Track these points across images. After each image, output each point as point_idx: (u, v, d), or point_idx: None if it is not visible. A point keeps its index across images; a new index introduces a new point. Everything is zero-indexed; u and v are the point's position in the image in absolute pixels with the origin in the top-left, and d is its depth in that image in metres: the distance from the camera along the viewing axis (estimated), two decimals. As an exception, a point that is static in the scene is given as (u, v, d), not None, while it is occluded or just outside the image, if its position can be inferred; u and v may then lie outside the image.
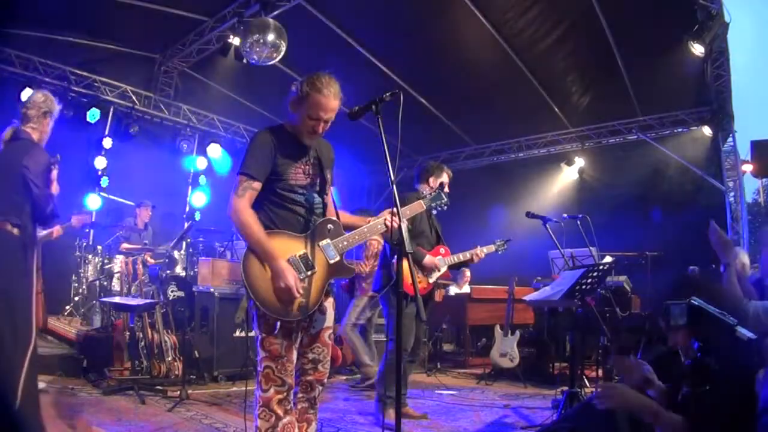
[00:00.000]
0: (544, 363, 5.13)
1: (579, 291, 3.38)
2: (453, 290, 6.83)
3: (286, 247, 1.93)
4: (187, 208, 7.29)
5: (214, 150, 7.56)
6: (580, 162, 7.60)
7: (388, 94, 1.86)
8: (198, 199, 7.33)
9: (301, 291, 1.88)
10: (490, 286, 6.25)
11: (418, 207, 2.30)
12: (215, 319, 4.47)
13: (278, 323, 1.89)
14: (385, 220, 2.05)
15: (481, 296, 6.11)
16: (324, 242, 1.98)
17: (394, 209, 1.97)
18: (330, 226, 2.02)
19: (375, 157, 8.37)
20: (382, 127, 1.83)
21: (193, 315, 4.83)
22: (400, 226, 1.78)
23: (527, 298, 3.99)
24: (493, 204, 7.82)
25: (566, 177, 7.71)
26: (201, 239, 5.77)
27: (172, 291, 4.89)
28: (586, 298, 3.45)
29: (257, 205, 1.96)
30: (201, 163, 7.46)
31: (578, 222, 4.26)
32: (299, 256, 1.94)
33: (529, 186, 7.85)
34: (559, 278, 3.92)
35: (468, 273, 6.95)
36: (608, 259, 4.61)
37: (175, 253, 5.34)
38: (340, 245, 2.00)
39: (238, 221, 1.89)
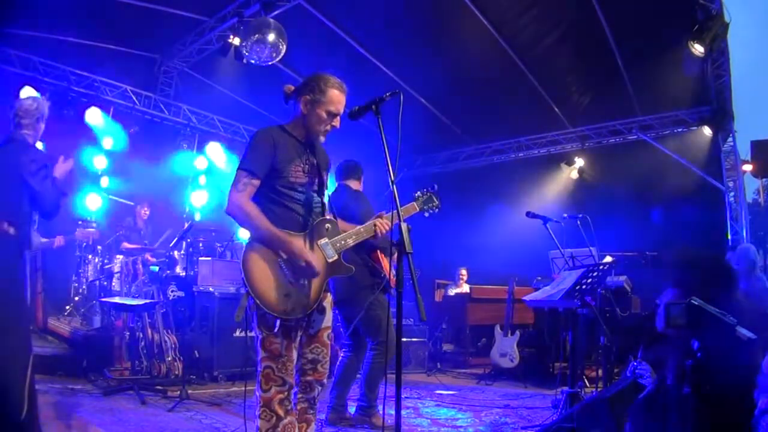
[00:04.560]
0: (544, 363, 5.14)
1: (579, 291, 3.39)
2: (452, 290, 6.82)
3: None
4: (187, 208, 7.27)
5: (214, 150, 7.57)
6: (580, 162, 7.58)
7: (388, 94, 1.87)
8: (198, 199, 7.21)
9: (320, 269, 1.91)
10: (489, 286, 6.26)
11: (411, 209, 2.35)
12: (215, 319, 4.46)
13: (278, 321, 1.89)
14: (376, 223, 2.11)
15: (480, 296, 6.10)
16: (322, 241, 2.01)
17: (384, 212, 2.11)
18: (328, 225, 2.05)
19: (374, 157, 8.38)
20: (382, 127, 1.84)
21: (193, 315, 4.82)
22: (400, 227, 1.79)
23: (527, 298, 4.00)
24: (493, 204, 7.82)
25: (566, 177, 7.72)
26: (201, 239, 5.66)
27: (172, 291, 4.87)
28: (587, 298, 3.45)
29: (256, 204, 1.96)
30: (201, 163, 7.45)
31: (578, 222, 4.32)
32: None
33: (529, 186, 7.81)
34: (560, 278, 3.92)
35: (464, 271, 6.95)
36: (608, 259, 4.62)
37: (175, 253, 5.30)
38: (338, 244, 2.03)
39: (242, 214, 1.90)
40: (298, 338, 1.98)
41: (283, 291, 1.89)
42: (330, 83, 2.00)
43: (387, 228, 2.08)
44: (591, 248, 4.54)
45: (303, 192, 2.02)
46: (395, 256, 1.81)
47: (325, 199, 2.13)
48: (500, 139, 8.18)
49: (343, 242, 2.04)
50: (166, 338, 4.30)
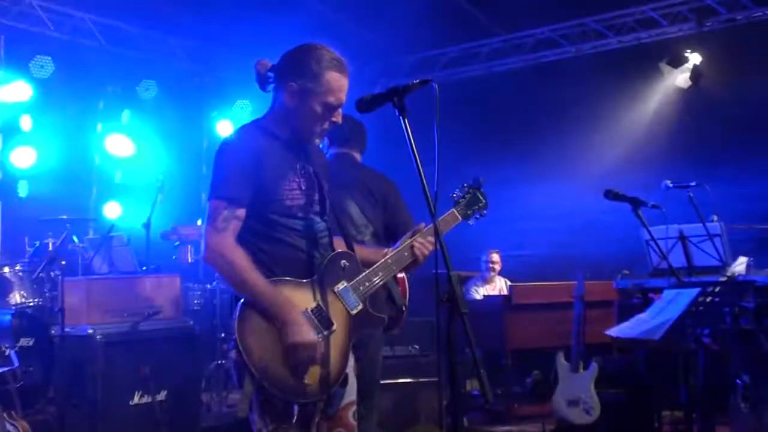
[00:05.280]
0: (644, 414, 4.87)
1: (692, 322, 3.50)
2: (479, 289, 6.74)
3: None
4: None
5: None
6: (695, 59, 7.16)
7: (416, 81, 2.02)
8: (22, 158, 6.95)
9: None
10: (542, 283, 6.14)
11: (452, 219, 2.58)
12: (99, 380, 4.37)
13: (295, 407, 2.07)
14: (413, 246, 2.33)
15: (528, 300, 5.93)
16: (340, 286, 2.19)
17: (422, 224, 2.39)
18: (344, 262, 2.24)
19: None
20: (409, 129, 2.00)
21: (49, 377, 4.79)
22: (444, 252, 1.95)
23: (612, 332, 4.00)
24: (538, 138, 7.63)
25: (670, 87, 7.36)
26: (50, 239, 5.54)
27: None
28: (704, 339, 3.58)
29: (238, 242, 2.16)
30: (20, 90, 6.90)
31: (690, 195, 4.41)
32: (311, 310, 2.13)
33: (602, 106, 7.54)
34: (660, 299, 3.95)
35: (495, 256, 6.82)
36: (741, 264, 4.54)
37: (6, 270, 5.25)
38: (362, 287, 2.23)
39: (225, 265, 2.10)
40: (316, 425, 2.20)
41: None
42: (325, 62, 2.15)
43: (429, 251, 2.31)
44: (711, 221, 4.60)
45: (302, 218, 2.21)
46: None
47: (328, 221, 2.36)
48: (548, 22, 7.83)
49: (368, 283, 2.24)
50: (9, 428, 4.15)
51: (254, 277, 2.06)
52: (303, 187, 2.22)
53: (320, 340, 2.12)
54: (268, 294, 2.07)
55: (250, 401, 2.13)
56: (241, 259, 2.08)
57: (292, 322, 2.05)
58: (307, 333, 2.06)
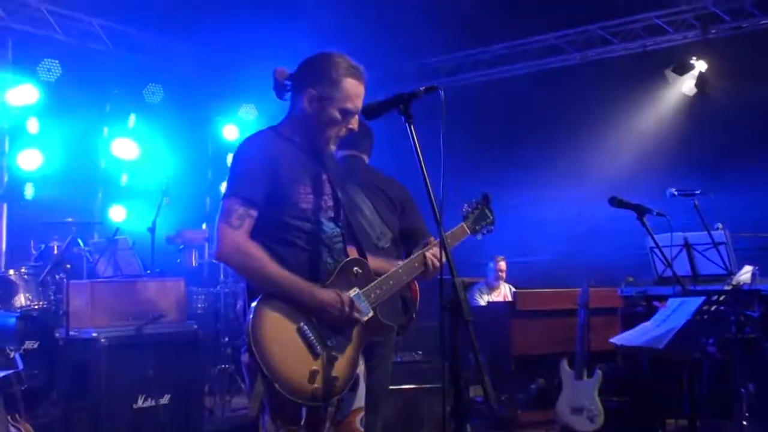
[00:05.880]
0: (648, 422, 4.93)
1: (697, 332, 3.49)
2: (483, 295, 6.71)
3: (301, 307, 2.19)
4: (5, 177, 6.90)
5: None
6: (700, 66, 7.09)
7: (422, 88, 2.06)
8: (29, 161, 6.90)
9: (362, 313, 2.21)
10: (547, 290, 6.12)
11: (461, 233, 2.67)
12: (103, 383, 4.36)
13: (304, 410, 2.11)
14: (425, 256, 2.41)
15: (532, 306, 5.89)
16: (352, 293, 2.22)
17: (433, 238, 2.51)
18: (357, 269, 2.28)
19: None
20: (415, 136, 2.04)
21: (53, 380, 4.79)
22: (449, 260, 2.03)
23: (616, 340, 3.97)
24: (542, 145, 7.59)
25: (675, 95, 7.28)
26: (55, 242, 5.54)
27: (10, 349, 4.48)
28: (709, 348, 3.56)
29: None
30: (28, 93, 6.91)
31: (695, 203, 4.33)
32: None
33: (605, 112, 7.49)
34: (665, 307, 3.93)
35: (502, 263, 6.78)
36: (746, 272, 4.47)
37: (11, 273, 5.19)
38: (373, 295, 2.26)
39: (243, 259, 2.13)
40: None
41: (307, 366, 2.09)
42: (343, 69, 2.21)
43: (440, 263, 2.35)
44: (716, 229, 4.58)
45: (316, 222, 2.26)
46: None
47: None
48: (552, 28, 7.84)
49: (379, 291, 2.27)
50: (13, 430, 4.08)
51: (275, 267, 2.10)
52: (318, 192, 2.28)
53: (330, 345, 2.14)
54: (290, 281, 2.10)
55: (262, 403, 2.15)
56: (258, 251, 2.12)
57: (329, 299, 2.10)
58: (337, 302, 2.11)
